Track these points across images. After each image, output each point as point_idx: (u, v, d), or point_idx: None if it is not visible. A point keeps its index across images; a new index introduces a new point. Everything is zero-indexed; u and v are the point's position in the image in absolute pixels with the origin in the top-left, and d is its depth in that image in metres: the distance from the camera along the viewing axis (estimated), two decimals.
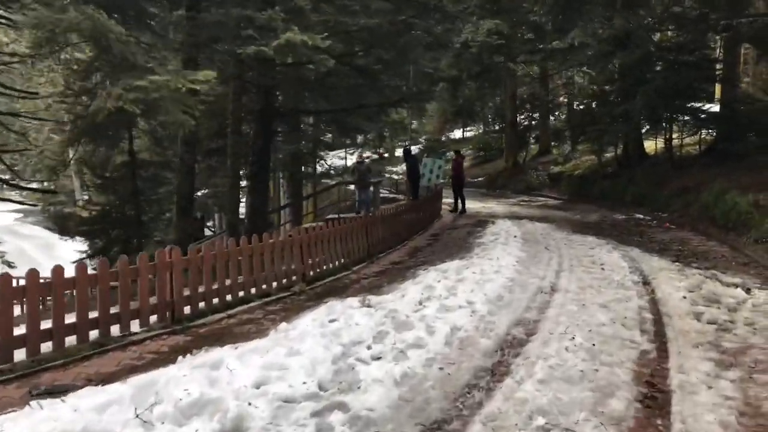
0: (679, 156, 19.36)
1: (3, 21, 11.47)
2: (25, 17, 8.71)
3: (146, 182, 13.47)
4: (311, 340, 5.07)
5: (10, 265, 15.27)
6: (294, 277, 7.51)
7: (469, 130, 57.03)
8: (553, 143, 34.28)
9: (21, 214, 41.13)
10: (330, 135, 23.51)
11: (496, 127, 44.52)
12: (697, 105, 18.85)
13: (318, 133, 16.76)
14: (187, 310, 5.98)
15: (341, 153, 44.42)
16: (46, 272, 5.54)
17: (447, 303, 6.56)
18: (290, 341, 5.14)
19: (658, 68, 19.13)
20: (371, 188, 18.41)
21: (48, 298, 6.07)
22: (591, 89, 24.05)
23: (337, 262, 8.69)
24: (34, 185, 13.69)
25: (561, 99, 37.28)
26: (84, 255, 13.01)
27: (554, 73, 30.77)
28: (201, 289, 6.14)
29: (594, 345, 5.30)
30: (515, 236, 12.31)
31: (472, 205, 22.25)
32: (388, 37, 12.39)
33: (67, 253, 18.62)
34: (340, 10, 10.32)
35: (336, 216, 15.47)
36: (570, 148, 30.05)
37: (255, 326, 5.88)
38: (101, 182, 13.32)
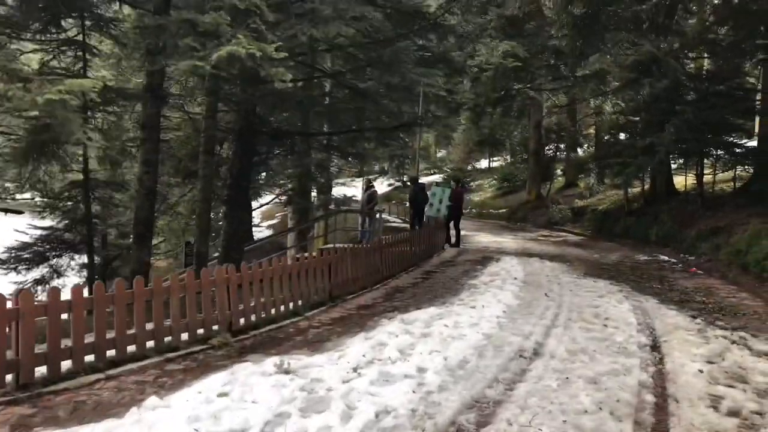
0: (711, 193, 17.67)
1: None
2: None
3: (103, 204, 12.39)
4: (172, 429, 3.74)
5: None
6: (215, 326, 6.19)
7: (495, 160, 55.47)
8: (580, 176, 32.68)
9: None
10: (335, 159, 22.37)
11: (522, 158, 42.98)
12: (733, 139, 17.19)
13: (311, 159, 15.61)
14: (43, 370, 4.68)
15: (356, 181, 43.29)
16: None
17: (391, 370, 5.17)
18: (148, 427, 3.81)
19: (690, 98, 17.57)
20: (376, 216, 17.19)
21: None
22: (617, 120, 22.50)
23: (282, 307, 7.33)
24: None
25: (589, 130, 35.71)
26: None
27: (581, 101, 29.21)
28: (68, 344, 4.83)
29: None
30: (515, 278, 10.85)
31: (484, 238, 20.80)
32: (369, 48, 11.18)
33: None
34: (304, 16, 9.13)
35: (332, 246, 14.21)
36: (595, 182, 28.44)
37: (131, 395, 4.57)
38: (47, 202, 12.33)
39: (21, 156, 9.20)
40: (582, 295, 9.47)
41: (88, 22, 11.67)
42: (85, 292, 5.33)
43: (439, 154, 63.45)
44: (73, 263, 12.03)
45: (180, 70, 8.69)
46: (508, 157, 50.82)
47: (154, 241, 20.02)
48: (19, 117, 8.48)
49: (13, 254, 11.41)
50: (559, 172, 36.02)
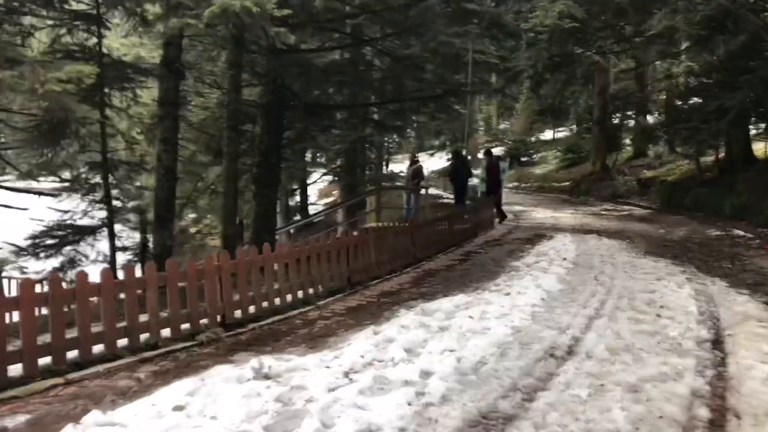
0: None
1: None
2: None
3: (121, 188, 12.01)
4: None
5: None
6: (205, 320, 5.59)
7: (561, 130, 53.15)
8: (650, 145, 30.67)
9: None
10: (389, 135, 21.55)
11: (587, 128, 40.89)
12: None
13: (352, 134, 14.85)
14: None
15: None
16: None
17: (390, 374, 4.42)
18: None
19: None
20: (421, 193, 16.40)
21: None
22: (688, 83, 20.70)
23: (290, 296, 6.66)
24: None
25: (660, 95, 33.43)
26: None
27: (648, 64, 27.18)
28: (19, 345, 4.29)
29: None
30: (565, 258, 9.87)
31: (541, 214, 19.67)
32: (399, 11, 10.24)
33: None
34: None
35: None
36: (665, 151, 26.58)
37: (84, 406, 4.00)
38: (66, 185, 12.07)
39: (38, 137, 8.90)
40: (637, 277, 8.42)
41: None
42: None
43: (502, 126, 61.42)
44: (98, 247, 11.78)
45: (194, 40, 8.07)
46: (575, 127, 48.66)
47: (200, 222, 19.85)
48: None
49: (37, 240, 11.25)
50: (628, 141, 33.97)
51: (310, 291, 6.92)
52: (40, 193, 11.84)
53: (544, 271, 8.67)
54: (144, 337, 5.10)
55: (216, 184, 14.03)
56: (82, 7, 11.37)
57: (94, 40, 10.96)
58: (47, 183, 12.93)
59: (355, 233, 8.47)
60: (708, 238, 13.22)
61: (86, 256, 11.73)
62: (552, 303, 6.78)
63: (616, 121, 32.58)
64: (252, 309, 6.23)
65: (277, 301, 6.48)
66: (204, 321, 5.57)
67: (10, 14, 9.62)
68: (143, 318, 5.09)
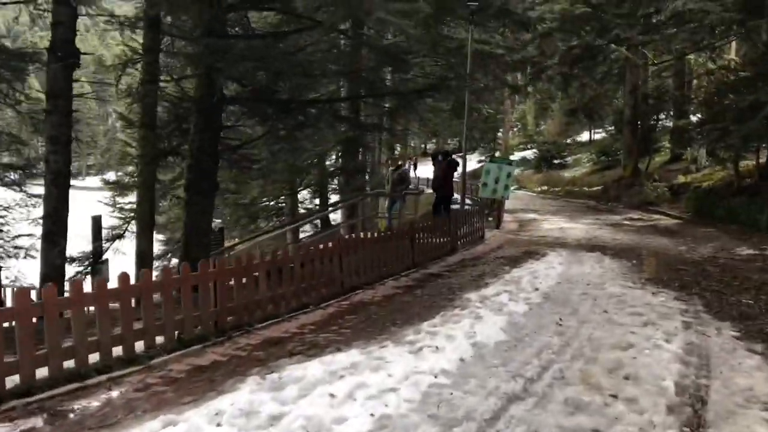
0: None
1: None
2: None
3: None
4: None
5: None
6: None
7: (598, 132, 50.18)
8: (688, 147, 27.98)
9: None
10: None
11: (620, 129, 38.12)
12: None
13: (326, 133, 13.07)
14: None
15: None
16: None
17: None
18: None
19: None
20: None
21: None
22: (723, 77, 18.21)
23: (95, 355, 4.87)
24: None
25: (698, 93, 30.58)
26: None
27: (677, 57, 24.53)
28: None
29: None
30: (536, 289, 7.89)
31: (552, 224, 17.53)
32: None
33: None
34: None
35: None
36: (700, 154, 23.98)
37: None
38: None
39: None
40: (617, 321, 6.39)
41: None
42: None
43: (543, 127, 58.48)
44: None
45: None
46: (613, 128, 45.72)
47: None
48: None
49: None
50: (666, 144, 31.18)
51: (139, 344, 5.13)
52: None
53: (498, 309, 6.71)
54: None
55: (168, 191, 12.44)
56: None
57: None
58: None
59: (232, 257, 6.63)
60: (735, 259, 10.98)
61: None
62: (471, 368, 4.85)
63: (652, 122, 29.93)
64: (44, 372, 4.50)
65: (94, 357, 4.72)
66: None
67: None
68: None
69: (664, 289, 8.16)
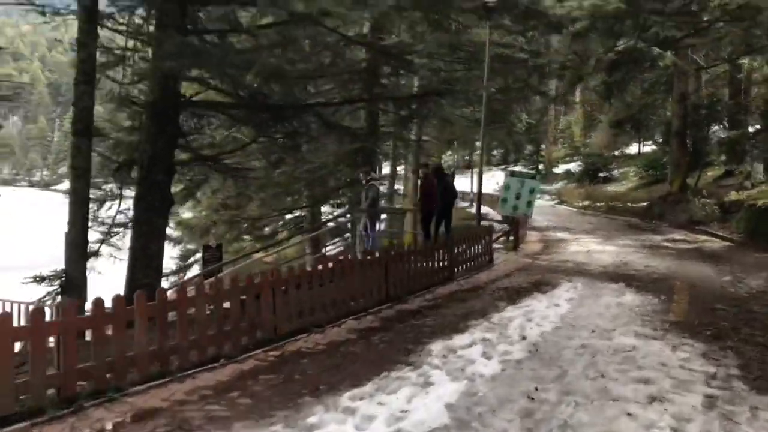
0: None
1: None
2: None
3: None
4: None
5: None
6: None
7: (647, 144, 47.38)
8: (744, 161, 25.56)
9: None
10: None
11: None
12: None
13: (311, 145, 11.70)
14: None
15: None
16: None
17: None
18: None
19: None
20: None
21: None
22: None
23: None
24: None
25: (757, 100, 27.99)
26: None
27: (723, 60, 22.31)
28: None
29: None
30: (524, 337, 6.30)
31: (580, 246, 15.74)
32: None
33: None
34: None
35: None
36: (755, 167, 21.71)
37: None
38: None
39: None
40: (614, 392, 4.75)
41: None
42: None
43: (591, 139, 55.69)
44: None
45: None
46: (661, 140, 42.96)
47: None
48: None
49: None
50: (719, 158, 28.68)
51: None
52: None
53: (460, 370, 5.17)
54: None
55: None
56: None
57: None
58: None
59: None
60: None
61: None
62: None
63: (703, 133, 27.51)
64: None
65: None
66: None
67: None
68: None
69: (690, 339, 6.43)
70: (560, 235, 18.74)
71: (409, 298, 8.34)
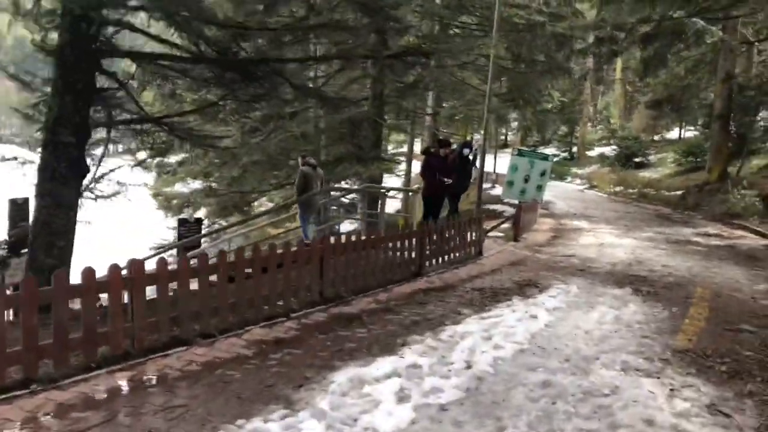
0: None
1: None
2: None
3: None
4: None
5: None
6: None
7: (689, 129, 44.40)
8: None
9: None
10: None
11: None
12: None
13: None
14: None
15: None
16: None
17: None
18: None
19: None
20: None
21: None
22: None
23: None
24: None
25: None
26: None
27: None
28: None
29: None
30: (469, 366, 4.72)
31: (596, 237, 13.96)
32: None
33: None
34: None
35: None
36: None
37: None
38: None
39: None
40: None
41: None
42: None
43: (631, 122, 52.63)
44: None
45: None
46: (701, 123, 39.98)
47: None
48: None
49: None
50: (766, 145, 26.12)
51: None
52: None
53: (345, 426, 3.64)
54: None
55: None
56: None
57: None
58: None
59: None
60: None
61: None
62: None
63: (748, 117, 25.05)
64: None
65: None
66: None
67: None
68: None
69: (697, 378, 4.78)
70: (577, 223, 16.93)
71: (353, 299, 6.78)
